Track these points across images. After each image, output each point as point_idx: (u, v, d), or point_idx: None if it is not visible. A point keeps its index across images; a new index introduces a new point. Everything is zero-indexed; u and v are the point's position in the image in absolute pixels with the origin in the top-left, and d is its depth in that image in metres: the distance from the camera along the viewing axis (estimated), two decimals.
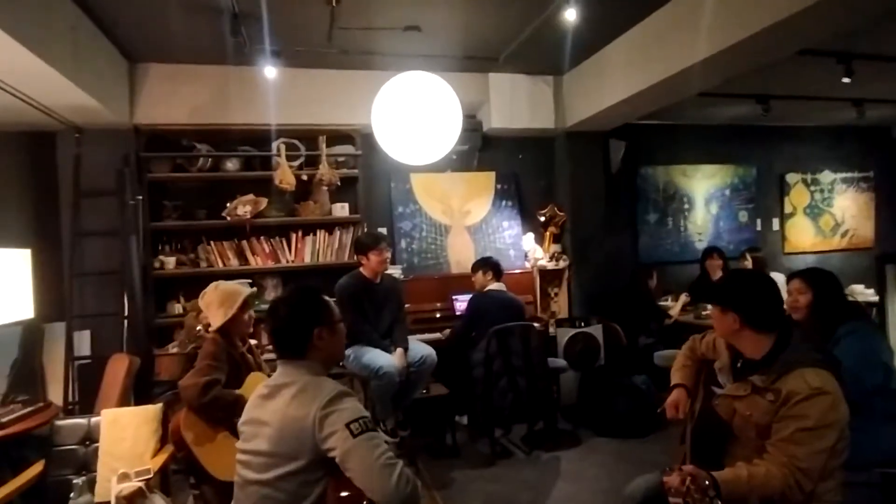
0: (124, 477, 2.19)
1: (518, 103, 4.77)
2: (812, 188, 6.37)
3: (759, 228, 6.14)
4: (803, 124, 6.22)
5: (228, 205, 4.14)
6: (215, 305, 2.42)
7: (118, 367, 3.13)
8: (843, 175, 6.49)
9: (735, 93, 4.65)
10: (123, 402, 3.02)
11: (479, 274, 4.01)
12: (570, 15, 3.00)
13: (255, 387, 2.46)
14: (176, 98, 4.01)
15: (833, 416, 1.52)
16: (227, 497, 2.25)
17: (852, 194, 6.53)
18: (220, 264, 4.16)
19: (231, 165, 4.21)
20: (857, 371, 2.06)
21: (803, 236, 6.34)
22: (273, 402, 1.43)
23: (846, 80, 3.84)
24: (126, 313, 3.80)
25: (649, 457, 3.53)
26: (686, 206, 5.85)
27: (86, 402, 3.54)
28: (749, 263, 4.89)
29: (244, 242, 4.23)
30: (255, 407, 1.49)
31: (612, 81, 4.14)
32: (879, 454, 2.16)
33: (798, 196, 6.32)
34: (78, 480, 2.09)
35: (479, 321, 3.83)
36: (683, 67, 3.39)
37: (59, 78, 2.82)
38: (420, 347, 3.50)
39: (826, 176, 6.42)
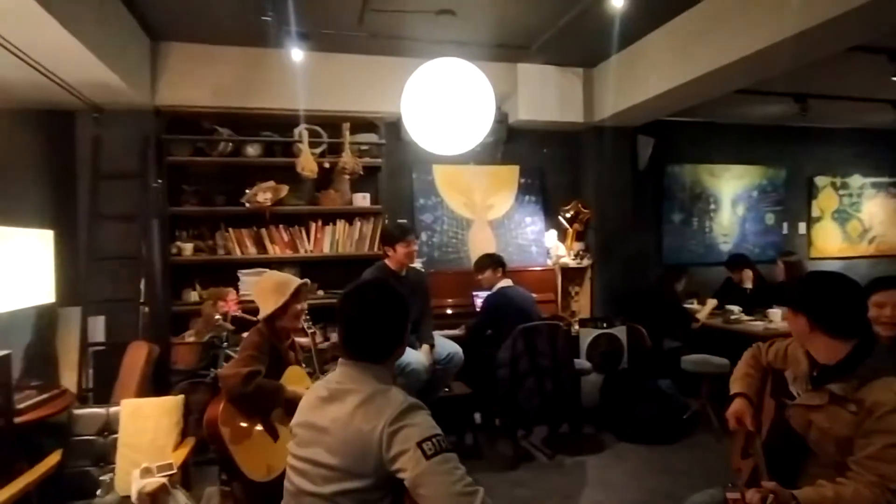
0: (147, 472, 2.09)
1: (547, 95, 4.63)
2: (841, 192, 6.22)
3: (785, 232, 5.99)
4: (835, 126, 6.05)
5: (248, 191, 4.02)
6: (268, 292, 2.35)
7: (137, 355, 3.04)
8: (873, 179, 6.33)
9: (773, 90, 4.49)
10: (142, 391, 2.93)
11: (489, 272, 3.91)
12: (618, 2, 2.86)
13: (296, 380, 2.39)
14: (198, 79, 3.89)
15: None
16: (257, 496, 2.17)
17: (881, 200, 6.38)
18: (238, 252, 4.05)
19: (252, 151, 4.09)
20: None
21: (830, 241, 6.19)
22: (334, 408, 1.28)
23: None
24: (142, 299, 3.71)
25: (680, 465, 3.42)
26: (712, 206, 5.70)
27: (100, 389, 3.45)
28: (781, 269, 4.75)
29: (263, 230, 4.12)
30: (312, 409, 1.34)
31: (649, 75, 3.99)
32: None
33: (826, 200, 6.17)
34: (105, 477, 1.99)
35: (499, 320, 3.72)
36: (730, 61, 3.25)
37: (86, 54, 2.71)
38: (447, 345, 3.39)
39: (856, 180, 6.27)
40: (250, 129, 4.11)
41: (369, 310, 1.35)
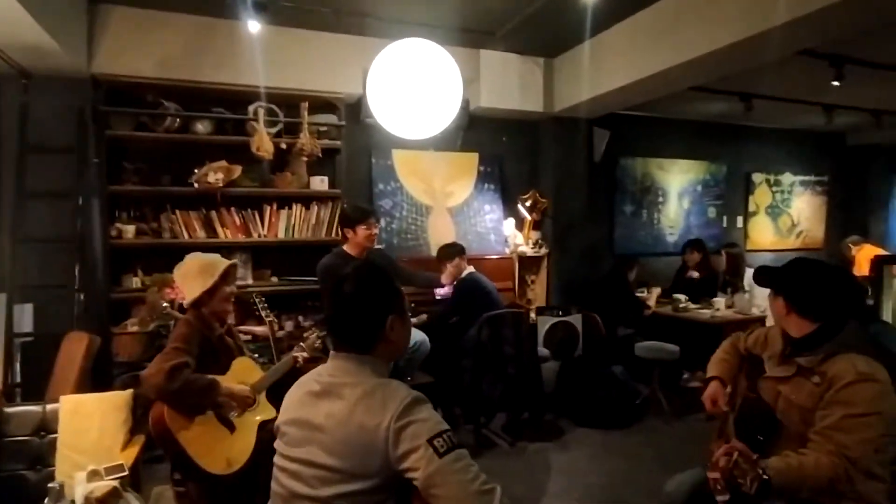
0: (94, 475, 1.91)
1: (508, 83, 4.61)
2: (774, 189, 6.62)
3: (724, 225, 6.31)
4: (770, 125, 6.41)
5: (197, 171, 3.76)
6: (193, 275, 2.16)
7: (75, 347, 2.78)
8: (802, 178, 6.78)
9: (722, 89, 4.67)
10: (81, 386, 2.68)
11: (457, 260, 3.88)
12: None
13: (245, 373, 2.25)
14: (142, 48, 3.58)
15: (882, 404, 1.46)
16: (214, 495, 2.03)
17: (808, 197, 6.84)
18: (186, 235, 3.79)
19: (202, 128, 3.82)
20: None
21: (764, 235, 6.58)
22: (329, 404, 1.19)
23: (836, 83, 3.92)
24: (77, 286, 3.40)
25: (635, 449, 3.54)
26: (660, 199, 5.92)
27: (29, 385, 3.14)
28: (724, 259, 4.99)
29: (213, 213, 3.87)
30: (301, 405, 1.24)
31: (609, 68, 4.05)
32: None
33: (761, 195, 6.55)
34: (54, 484, 1.79)
35: (469, 305, 3.70)
36: (689, 59, 3.35)
37: (18, 8, 2.41)
38: (414, 333, 3.31)
39: (787, 177, 6.68)
40: (200, 105, 3.83)
41: (345, 300, 1.25)
